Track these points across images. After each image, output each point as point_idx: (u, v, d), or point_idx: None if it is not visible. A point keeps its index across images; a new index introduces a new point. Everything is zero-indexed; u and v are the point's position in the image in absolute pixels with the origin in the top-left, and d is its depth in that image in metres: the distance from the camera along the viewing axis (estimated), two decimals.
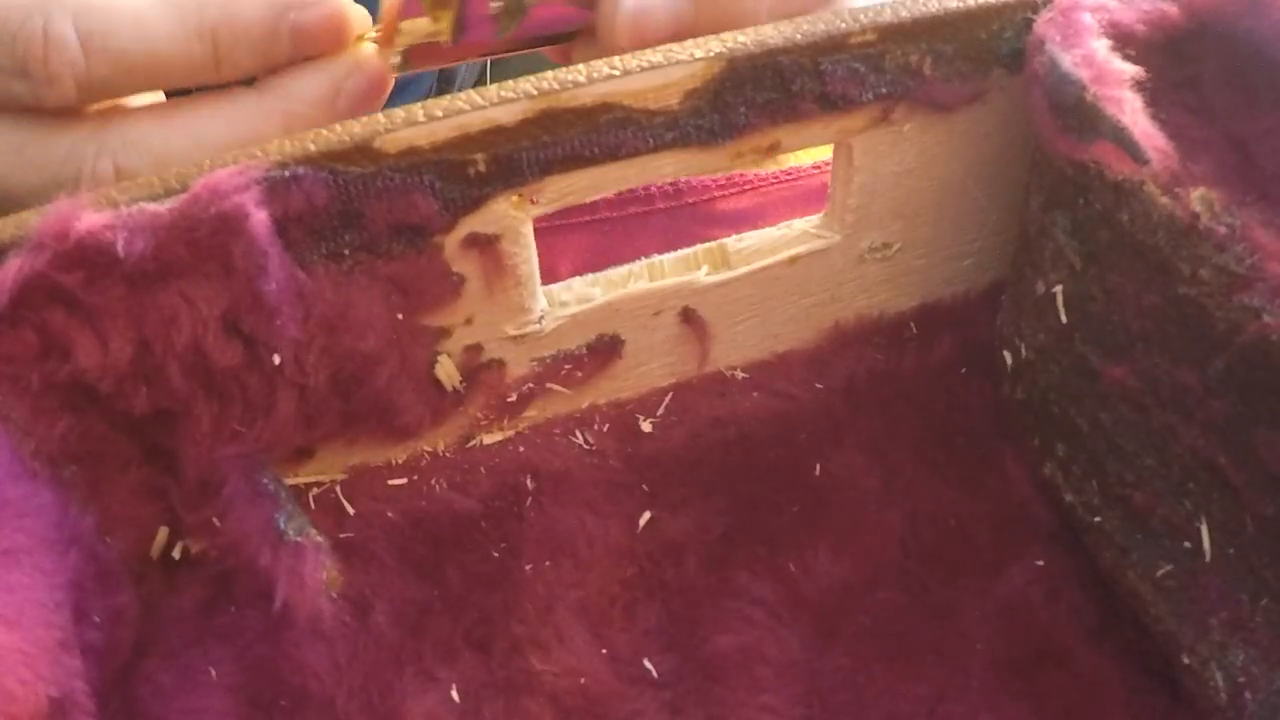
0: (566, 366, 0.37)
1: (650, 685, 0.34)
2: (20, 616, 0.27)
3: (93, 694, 0.28)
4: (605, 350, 0.37)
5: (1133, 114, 0.29)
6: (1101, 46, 0.30)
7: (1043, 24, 0.31)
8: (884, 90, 0.33)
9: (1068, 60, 0.30)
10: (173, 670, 0.33)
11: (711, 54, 0.31)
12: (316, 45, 0.33)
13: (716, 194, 0.50)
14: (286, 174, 0.29)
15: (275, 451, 0.34)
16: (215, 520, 0.33)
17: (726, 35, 0.32)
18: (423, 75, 0.82)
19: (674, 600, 0.35)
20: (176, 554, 0.34)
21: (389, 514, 0.36)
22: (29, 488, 0.29)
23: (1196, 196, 0.28)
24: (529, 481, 0.37)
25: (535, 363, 0.36)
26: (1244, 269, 0.27)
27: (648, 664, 0.34)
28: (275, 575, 0.32)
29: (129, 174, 0.32)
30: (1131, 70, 0.30)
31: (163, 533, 0.33)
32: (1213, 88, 0.31)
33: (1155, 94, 0.30)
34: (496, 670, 0.34)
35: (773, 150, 0.33)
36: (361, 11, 0.34)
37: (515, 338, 0.35)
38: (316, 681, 0.33)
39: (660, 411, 0.39)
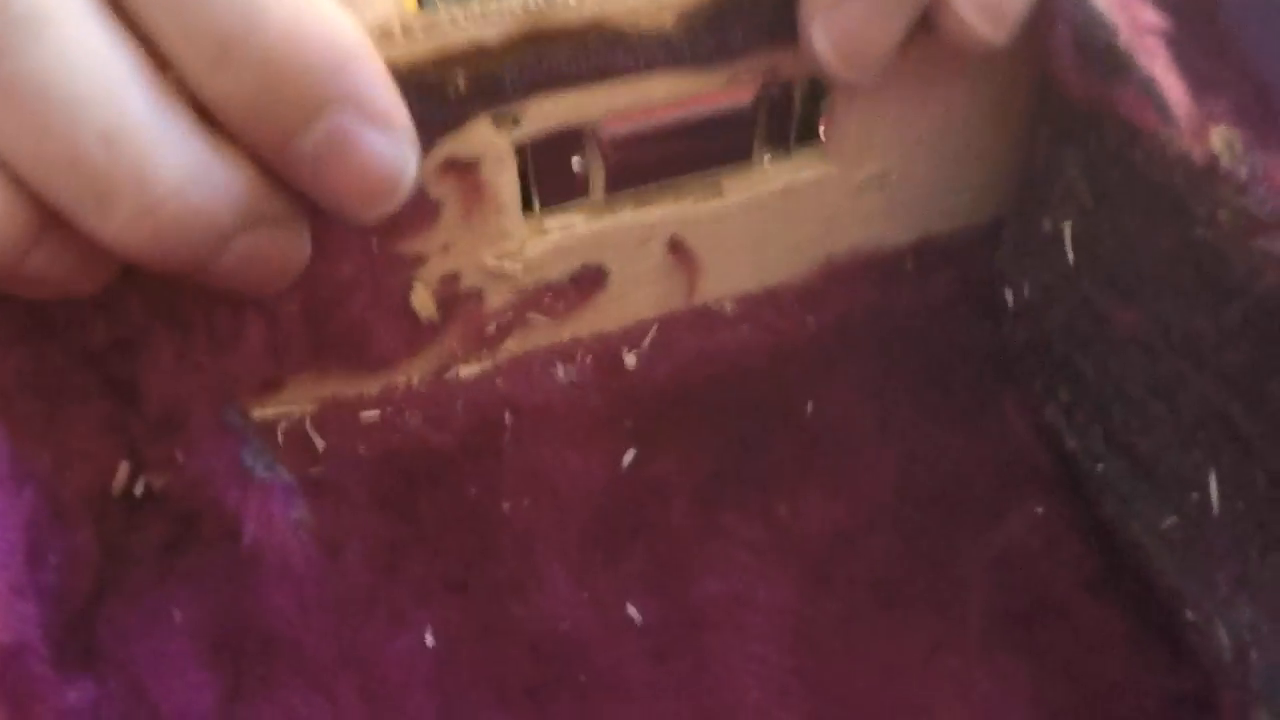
0: (547, 296, 0.36)
1: (634, 631, 0.33)
2: None
3: (49, 638, 0.27)
4: (589, 280, 0.36)
5: (1164, 68, 0.29)
6: None
7: None
8: None
9: (1101, 1, 0.29)
10: (135, 612, 0.32)
11: None
12: None
13: None
14: None
15: (241, 384, 0.33)
16: (178, 456, 0.32)
17: None
18: None
19: (659, 543, 0.35)
20: (138, 491, 0.33)
21: (360, 449, 0.35)
22: None
23: (1217, 136, 0.27)
24: (507, 416, 0.36)
25: (515, 293, 0.35)
26: (1264, 213, 0.26)
27: (631, 609, 0.34)
28: (243, 514, 0.32)
29: None
30: (1162, 21, 0.29)
31: (123, 469, 0.32)
32: (1233, 28, 0.31)
33: (1174, 34, 0.29)
34: (473, 613, 0.33)
35: (769, 74, 0.32)
36: None
37: (494, 266, 0.34)
38: (285, 623, 0.33)
39: (645, 345, 0.38)
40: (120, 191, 0.24)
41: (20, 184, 0.25)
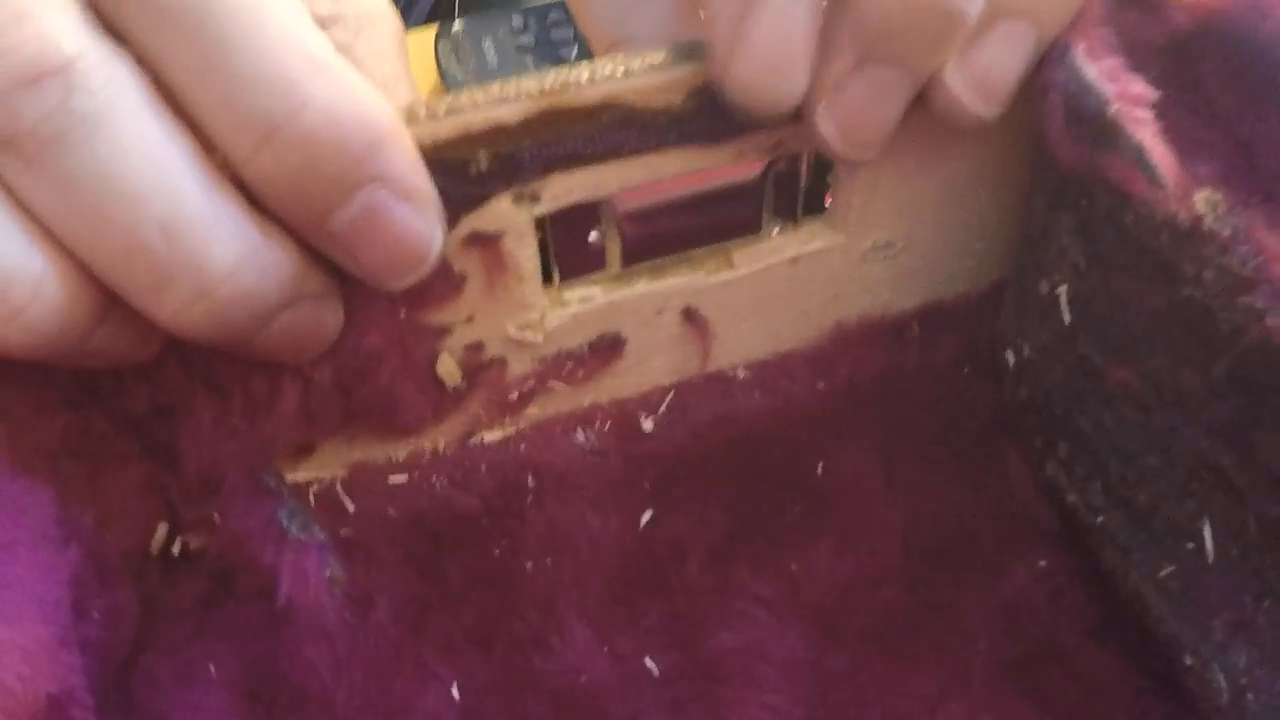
0: (568, 365, 0.37)
1: (651, 684, 0.34)
2: (19, 613, 0.27)
3: (92, 691, 0.28)
4: (607, 349, 0.37)
5: (1153, 137, 0.29)
6: (1121, 59, 0.30)
7: (1064, 31, 0.31)
8: None
9: (1092, 72, 0.30)
10: (172, 667, 0.33)
11: None
12: None
13: None
14: None
15: (276, 448, 0.34)
16: (216, 517, 0.33)
17: None
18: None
19: (676, 599, 0.35)
20: (176, 550, 0.34)
21: (389, 511, 0.36)
22: (27, 483, 0.29)
23: (1201, 198, 0.28)
24: (530, 479, 0.37)
25: (536, 361, 0.36)
26: (1248, 271, 0.27)
27: (649, 662, 0.34)
28: (278, 572, 0.33)
29: None
30: (1152, 92, 0.30)
31: (162, 529, 0.33)
32: (1217, 90, 0.31)
33: (1161, 99, 0.30)
34: (497, 668, 0.34)
35: (776, 148, 0.33)
36: None
37: (516, 336, 0.35)
38: (317, 679, 0.33)
39: (662, 410, 0.39)
40: (178, 277, 0.26)
41: (87, 276, 0.26)
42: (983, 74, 0.31)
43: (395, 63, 0.35)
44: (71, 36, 0.24)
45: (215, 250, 0.26)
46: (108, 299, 0.26)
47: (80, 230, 0.25)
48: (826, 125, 0.31)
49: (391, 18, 0.34)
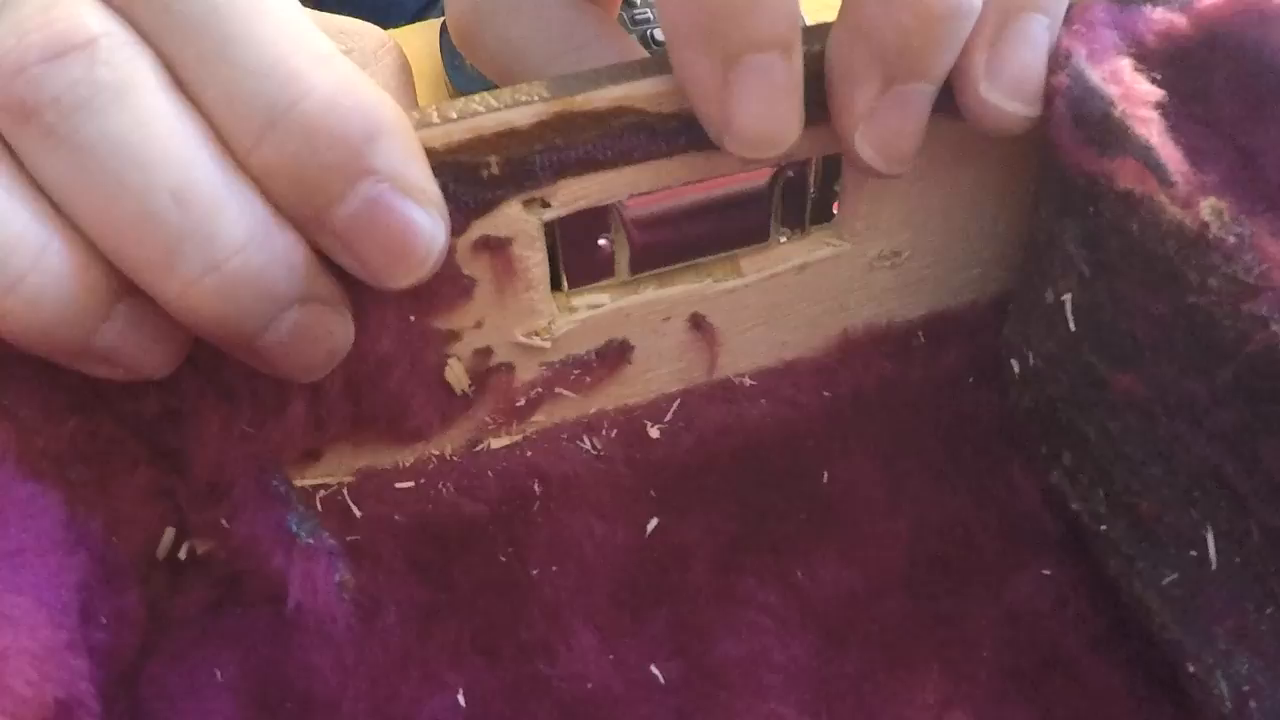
0: (575, 371, 0.37)
1: (657, 691, 0.34)
2: (27, 617, 0.27)
3: (99, 695, 0.28)
4: (614, 356, 0.37)
5: (1160, 135, 0.29)
6: (1127, 63, 0.31)
7: (1068, 37, 0.31)
8: None
9: (1097, 76, 0.30)
10: (178, 672, 0.33)
11: None
12: None
13: None
14: None
15: (284, 453, 0.34)
16: (224, 521, 0.33)
17: None
18: None
19: (681, 606, 0.35)
20: (183, 555, 0.34)
21: (396, 517, 0.36)
22: (36, 488, 0.29)
23: (1206, 206, 0.28)
24: (536, 486, 0.37)
25: (544, 367, 0.36)
26: (1252, 278, 0.27)
27: (655, 670, 0.34)
28: (288, 578, 0.33)
29: None
30: (1156, 92, 0.30)
31: (169, 534, 0.33)
32: (1221, 99, 0.31)
33: (1166, 105, 0.30)
34: (503, 674, 0.34)
35: (784, 156, 0.33)
36: None
37: (524, 342, 0.35)
38: (323, 684, 0.33)
39: (668, 418, 0.39)
40: (187, 247, 0.26)
41: (93, 254, 0.26)
42: (1016, 77, 0.31)
43: (400, 95, 0.35)
44: (97, 18, 0.25)
45: (225, 222, 0.26)
46: (113, 284, 0.27)
47: (93, 198, 0.26)
48: (866, 150, 0.32)
49: (398, 53, 0.34)
